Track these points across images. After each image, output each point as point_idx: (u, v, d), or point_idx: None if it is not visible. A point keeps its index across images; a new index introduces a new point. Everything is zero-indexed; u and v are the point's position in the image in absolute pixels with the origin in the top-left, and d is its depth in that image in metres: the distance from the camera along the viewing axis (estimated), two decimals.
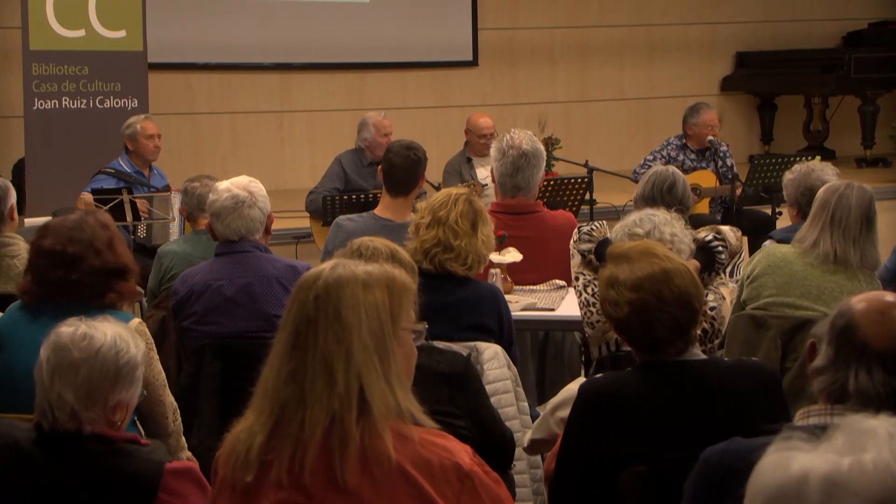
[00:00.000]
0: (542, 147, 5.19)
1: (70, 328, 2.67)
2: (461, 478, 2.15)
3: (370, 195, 6.95)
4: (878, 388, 2.24)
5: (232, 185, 4.38)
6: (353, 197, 7.04)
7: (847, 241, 4.21)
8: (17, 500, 2.65)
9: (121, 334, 2.72)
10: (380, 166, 5.43)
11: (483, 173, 7.69)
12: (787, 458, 1.29)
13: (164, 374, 3.67)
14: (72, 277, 3.44)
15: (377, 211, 5.27)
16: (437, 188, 7.17)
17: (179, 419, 3.76)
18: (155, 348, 3.66)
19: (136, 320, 3.60)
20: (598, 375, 3.19)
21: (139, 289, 6.51)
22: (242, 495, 2.22)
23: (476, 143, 8.09)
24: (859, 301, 2.34)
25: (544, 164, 5.20)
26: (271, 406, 2.20)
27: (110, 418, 2.68)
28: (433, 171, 8.26)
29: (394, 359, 2.21)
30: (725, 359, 3.29)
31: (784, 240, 4.56)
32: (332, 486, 2.14)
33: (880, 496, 1.23)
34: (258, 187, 4.43)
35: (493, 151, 5.21)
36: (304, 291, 2.23)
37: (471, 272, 4.03)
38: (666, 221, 3.84)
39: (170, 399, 3.71)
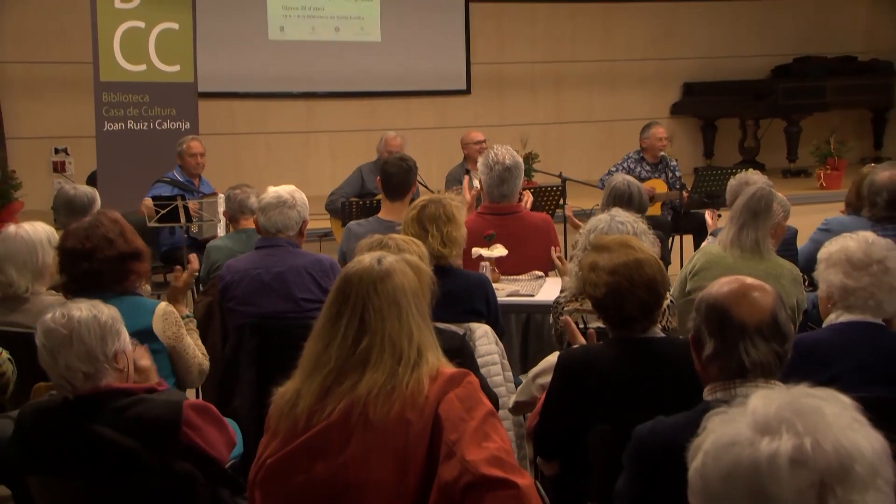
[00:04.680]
0: (520, 159, 5.18)
1: (49, 315, 2.69)
2: (458, 380, 2.27)
3: (380, 200, 6.94)
4: (767, 357, 2.25)
5: (281, 189, 4.45)
6: (367, 202, 7.03)
7: (734, 229, 4.25)
8: (66, 461, 2.64)
9: (93, 303, 2.76)
10: (378, 177, 5.38)
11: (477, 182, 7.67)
12: (748, 438, 1.27)
13: (192, 347, 3.66)
14: (94, 267, 3.45)
15: (381, 215, 5.22)
16: (428, 188, 7.16)
17: (206, 364, 3.76)
18: (183, 326, 3.65)
19: (164, 304, 3.60)
20: (575, 346, 3.18)
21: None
22: (284, 439, 2.26)
23: (472, 151, 8.06)
24: (720, 289, 2.33)
25: (523, 172, 5.20)
26: (325, 374, 2.25)
27: (115, 366, 2.71)
28: (433, 180, 8.28)
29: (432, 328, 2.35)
30: (680, 336, 3.27)
31: None
32: (365, 423, 2.19)
33: (837, 467, 1.23)
34: (301, 196, 4.47)
35: (479, 166, 5.20)
36: (362, 289, 2.28)
37: (451, 255, 4.00)
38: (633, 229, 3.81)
39: (197, 358, 3.70)
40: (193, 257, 4.20)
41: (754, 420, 1.28)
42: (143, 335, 3.43)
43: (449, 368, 2.29)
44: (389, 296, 2.27)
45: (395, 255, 2.41)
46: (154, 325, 3.50)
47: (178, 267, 4.03)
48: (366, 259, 2.34)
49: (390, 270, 2.30)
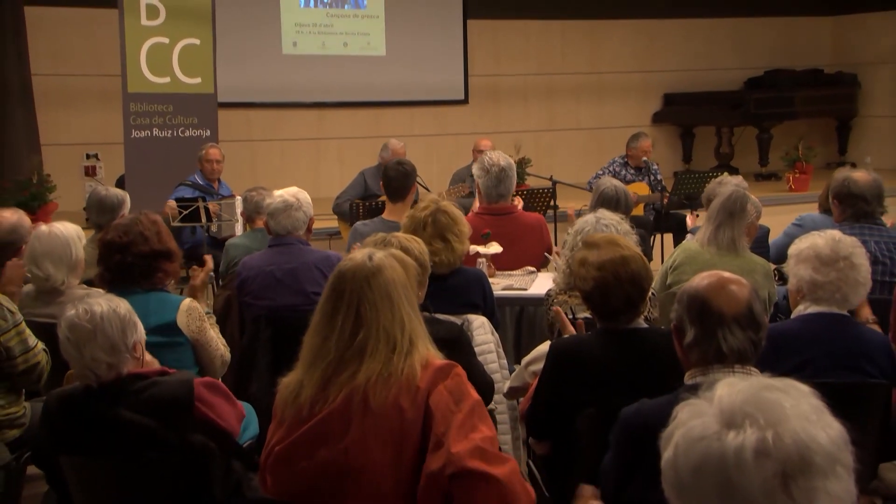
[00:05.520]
0: (513, 162, 5.17)
1: (72, 311, 2.68)
2: (447, 371, 2.24)
3: (384, 201, 6.93)
4: (743, 344, 2.24)
5: (285, 193, 4.41)
6: (372, 203, 7.03)
7: (711, 227, 4.23)
8: (92, 442, 2.64)
9: (110, 298, 2.75)
10: (381, 182, 5.36)
11: None
12: (715, 432, 1.26)
13: (214, 340, 3.63)
14: (127, 260, 3.43)
15: (384, 215, 5.19)
16: (427, 189, 7.15)
17: (227, 356, 3.73)
18: (206, 320, 3.62)
19: (188, 300, 3.57)
20: (566, 336, 3.17)
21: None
22: (289, 427, 2.25)
23: (475, 157, 8.06)
24: (700, 282, 2.32)
25: (516, 174, 5.18)
26: (325, 366, 2.22)
27: (134, 355, 2.71)
28: (435, 181, 8.28)
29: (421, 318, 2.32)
30: (662, 327, 3.26)
31: None
32: (364, 409, 2.17)
33: (797, 459, 1.23)
34: (305, 196, 4.44)
35: (475, 170, 5.17)
36: (355, 284, 2.25)
37: (457, 265, 3.97)
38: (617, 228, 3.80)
39: (220, 351, 3.66)
40: (208, 258, 4.17)
41: (720, 411, 1.28)
42: (169, 328, 3.41)
43: (438, 360, 2.27)
44: (382, 290, 2.24)
45: (383, 250, 2.38)
46: (178, 319, 3.47)
47: (195, 266, 4.00)
48: (357, 257, 2.30)
49: (380, 266, 2.27)
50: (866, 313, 3.47)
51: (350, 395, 2.18)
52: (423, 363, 2.22)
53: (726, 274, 2.35)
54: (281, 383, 2.31)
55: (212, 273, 6.41)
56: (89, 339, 2.61)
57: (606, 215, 3.84)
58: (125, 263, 3.42)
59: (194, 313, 3.53)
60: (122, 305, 2.71)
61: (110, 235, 3.48)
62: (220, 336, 3.74)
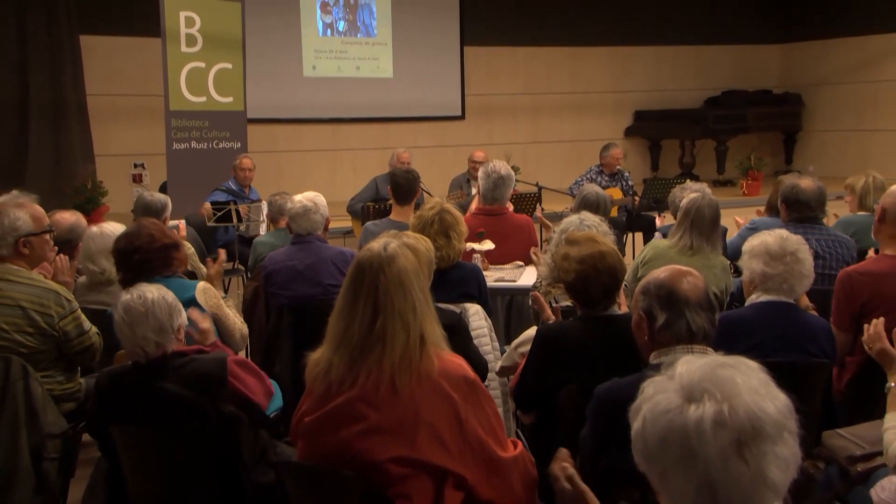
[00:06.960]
0: (513, 172, 5.17)
1: (127, 295, 2.69)
2: (468, 383, 2.19)
3: (391, 204, 6.91)
4: (706, 324, 2.26)
5: (304, 198, 4.38)
6: (381, 206, 7.02)
7: (701, 236, 4.20)
8: (139, 412, 2.63)
9: (159, 287, 2.77)
10: (389, 187, 5.36)
11: (475, 190, 7.63)
12: (678, 406, 1.26)
13: (231, 315, 3.61)
14: (144, 257, 3.41)
15: (391, 216, 5.17)
16: (430, 194, 7.13)
17: (245, 330, 3.71)
18: (221, 298, 3.61)
19: (203, 283, 3.56)
20: (551, 322, 3.15)
21: (240, 266, 6.54)
22: (319, 400, 2.20)
23: (470, 167, 8.06)
24: (662, 273, 2.33)
25: (513, 183, 5.18)
26: (350, 349, 2.16)
27: (178, 337, 2.73)
28: (434, 187, 8.27)
29: (431, 302, 2.24)
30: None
31: (667, 234, 4.54)
32: (390, 394, 2.12)
33: (750, 428, 1.23)
34: (321, 200, 4.42)
35: (480, 173, 5.18)
36: (372, 272, 2.18)
37: (455, 260, 3.95)
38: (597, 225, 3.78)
39: (237, 325, 3.65)
40: (222, 251, 4.16)
41: (681, 387, 1.28)
42: (191, 304, 3.40)
43: (447, 355, 2.21)
44: (395, 277, 2.16)
45: (397, 240, 2.30)
46: (197, 296, 3.45)
47: (209, 259, 4.02)
48: (374, 246, 2.24)
49: (394, 255, 2.20)
50: (805, 302, 3.47)
51: (377, 381, 2.12)
52: (438, 354, 2.16)
53: (680, 267, 2.37)
54: (310, 358, 2.24)
55: (241, 266, 6.48)
56: (141, 320, 2.62)
57: (589, 217, 3.82)
58: (144, 260, 3.41)
59: (209, 292, 3.53)
60: (170, 294, 2.72)
61: (122, 244, 3.44)
62: (237, 314, 3.73)
